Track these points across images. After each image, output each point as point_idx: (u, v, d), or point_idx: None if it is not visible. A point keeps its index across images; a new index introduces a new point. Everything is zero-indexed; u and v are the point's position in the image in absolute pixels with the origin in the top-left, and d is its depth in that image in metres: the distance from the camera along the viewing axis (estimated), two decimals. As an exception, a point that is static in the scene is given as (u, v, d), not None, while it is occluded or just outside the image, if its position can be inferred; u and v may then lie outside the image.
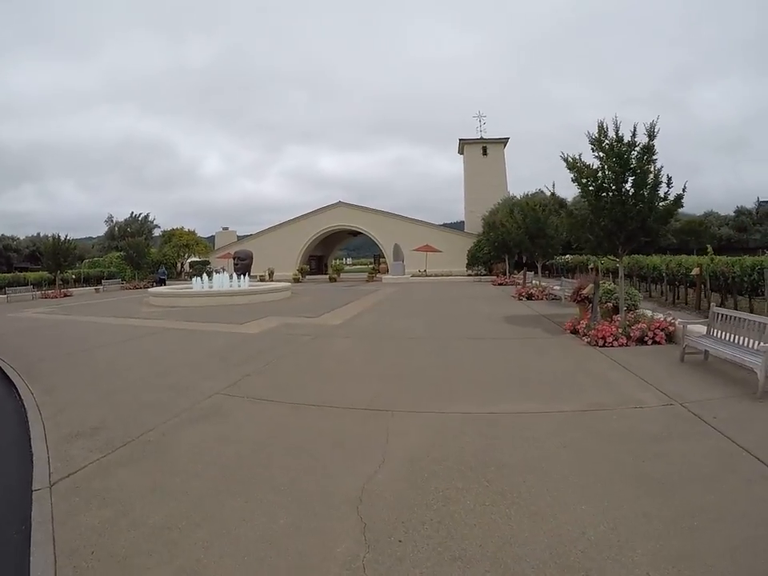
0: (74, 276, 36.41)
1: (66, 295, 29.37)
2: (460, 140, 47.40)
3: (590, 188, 10.72)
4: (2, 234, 63.05)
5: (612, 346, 9.59)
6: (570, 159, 11.01)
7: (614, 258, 11.48)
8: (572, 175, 11.04)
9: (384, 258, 46.03)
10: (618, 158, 10.18)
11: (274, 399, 6.60)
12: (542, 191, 39.72)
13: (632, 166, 10.20)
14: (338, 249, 64.46)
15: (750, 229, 46.48)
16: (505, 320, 13.92)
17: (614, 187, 10.42)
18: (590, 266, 28.19)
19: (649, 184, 10.23)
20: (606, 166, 10.47)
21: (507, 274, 32.33)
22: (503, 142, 46.69)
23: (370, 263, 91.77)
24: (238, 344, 10.83)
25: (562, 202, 12.20)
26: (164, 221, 53.17)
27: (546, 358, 8.84)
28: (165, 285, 32.95)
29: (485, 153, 46.19)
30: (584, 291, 12.53)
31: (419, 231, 42.91)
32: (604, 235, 10.86)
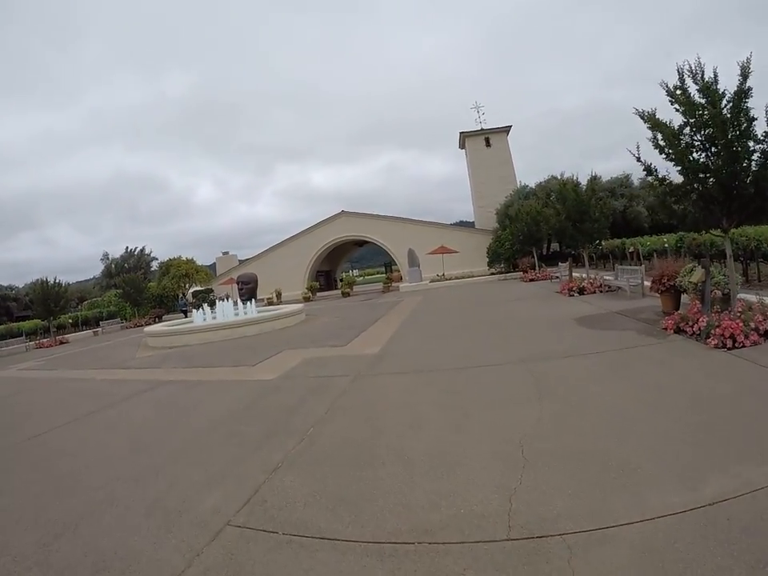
0: (70, 321, 33.92)
1: (61, 342, 26.98)
2: (461, 133, 44.86)
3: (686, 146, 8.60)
4: (-1, 285, 60.74)
5: (743, 347, 7.35)
6: (647, 115, 9.00)
7: (719, 234, 9.08)
8: (655, 137, 8.93)
9: (396, 265, 43.42)
10: (712, 106, 8.08)
11: (333, 533, 3.68)
12: (554, 177, 38.62)
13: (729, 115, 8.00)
14: (344, 261, 61.87)
15: None
16: (576, 323, 11.27)
17: (720, 143, 8.10)
18: (629, 250, 25.70)
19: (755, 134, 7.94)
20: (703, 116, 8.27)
21: (537, 268, 29.61)
22: (506, 130, 44.22)
23: (379, 273, 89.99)
24: (252, 401, 7.88)
25: (649, 168, 9.48)
26: (163, 253, 50.98)
27: (688, 383, 6.13)
28: (187, 316, 29.96)
29: (488, 144, 43.69)
30: (678, 279, 10.18)
31: (429, 233, 40.32)
32: (704, 205, 8.72)
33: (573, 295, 17.07)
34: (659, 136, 8.87)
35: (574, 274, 23.16)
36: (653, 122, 9.02)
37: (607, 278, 17.58)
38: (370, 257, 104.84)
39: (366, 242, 46.15)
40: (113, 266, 56.41)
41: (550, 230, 20.58)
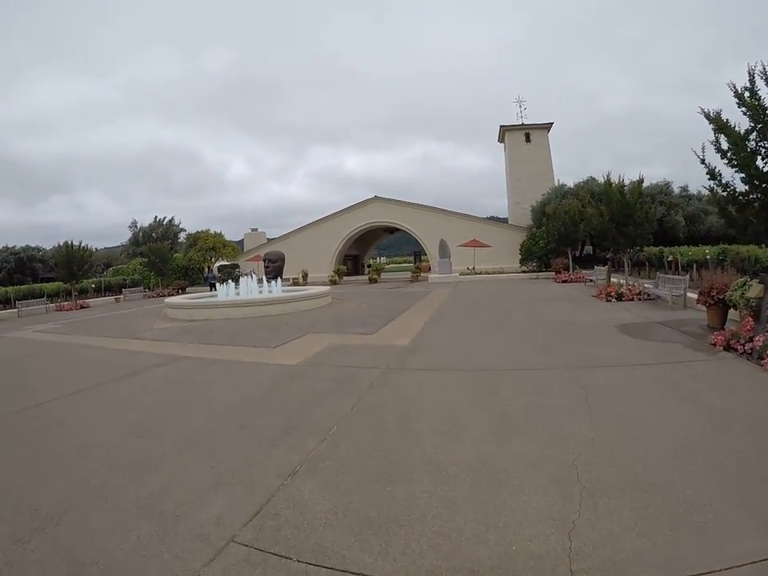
0: (93, 285, 33.79)
1: (82, 307, 26.69)
2: (501, 126, 43.49)
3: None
4: (26, 245, 61.19)
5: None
6: (712, 115, 8.61)
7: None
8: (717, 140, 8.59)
9: (426, 254, 42.64)
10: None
11: (359, 565, 3.00)
12: (593, 178, 37.36)
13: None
14: (373, 247, 61.13)
15: None
16: (618, 331, 10.55)
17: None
18: (668, 259, 24.67)
19: None
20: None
21: (570, 269, 28.60)
22: (547, 127, 42.73)
23: (406, 261, 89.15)
24: (270, 388, 7.22)
25: (713, 172, 8.75)
26: (192, 226, 50.16)
27: (750, 408, 5.39)
28: (213, 289, 29.41)
29: (528, 139, 42.28)
30: (728, 293, 9.56)
31: (461, 225, 39.18)
32: (767, 216, 8.18)
33: (610, 300, 16.31)
34: (723, 139, 8.37)
35: (611, 278, 22.59)
36: (718, 123, 8.48)
37: (647, 285, 16.78)
38: (398, 245, 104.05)
39: (397, 230, 45.28)
40: (140, 234, 56.08)
41: (592, 231, 19.49)
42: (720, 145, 8.43)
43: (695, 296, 12.62)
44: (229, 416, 6.01)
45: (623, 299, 16.16)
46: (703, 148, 8.83)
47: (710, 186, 9.22)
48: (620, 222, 17.13)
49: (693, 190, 39.23)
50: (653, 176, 34.42)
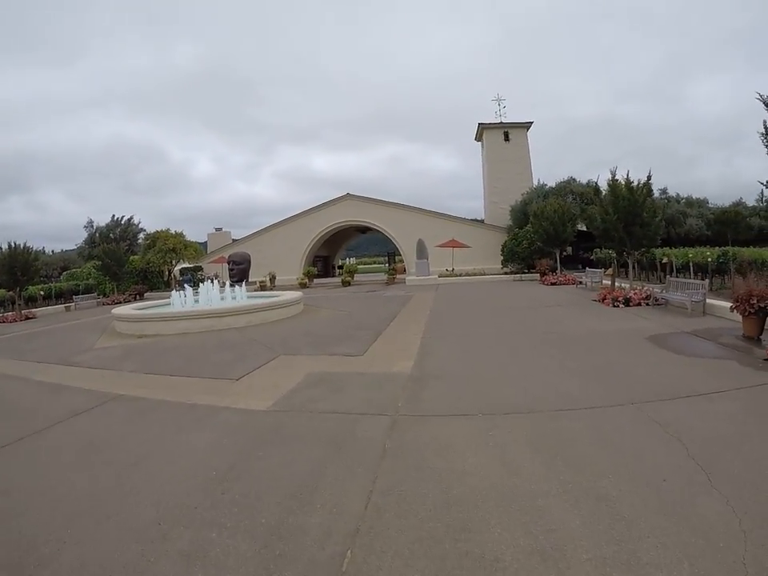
0: (41, 292, 30.60)
1: (27, 318, 23.40)
2: (479, 124, 41.88)
3: None
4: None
5: None
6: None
7: None
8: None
9: (400, 255, 40.61)
10: None
11: None
12: (573, 179, 36.03)
13: None
14: (344, 248, 58.73)
15: None
16: (651, 344, 9.28)
17: None
18: (662, 260, 23.16)
19: None
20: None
21: (559, 270, 27.03)
22: (526, 126, 41.31)
23: (376, 262, 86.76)
24: (231, 465, 4.74)
25: None
26: (154, 226, 46.19)
27: None
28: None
29: (506, 138, 40.78)
30: None
31: (438, 225, 37.59)
32: None
33: (618, 306, 14.94)
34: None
35: (605, 281, 21.17)
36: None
37: (655, 289, 15.70)
38: (366, 245, 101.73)
39: (369, 229, 43.10)
40: (97, 234, 52.26)
41: (594, 231, 17.68)
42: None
43: (714, 302, 12.51)
44: (167, 534, 3.61)
45: (630, 304, 14.84)
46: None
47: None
48: (628, 222, 15.70)
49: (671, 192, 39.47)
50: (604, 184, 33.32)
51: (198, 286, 18.89)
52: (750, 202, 43.60)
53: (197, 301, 17.21)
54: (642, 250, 17.00)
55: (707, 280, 14.73)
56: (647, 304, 14.86)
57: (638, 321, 12.10)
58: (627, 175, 16.02)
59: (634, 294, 15.38)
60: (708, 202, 42.62)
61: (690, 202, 39.10)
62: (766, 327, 9.40)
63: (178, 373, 8.79)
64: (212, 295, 17.39)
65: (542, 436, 5.02)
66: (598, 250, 30.02)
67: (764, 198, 47.42)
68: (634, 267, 18.41)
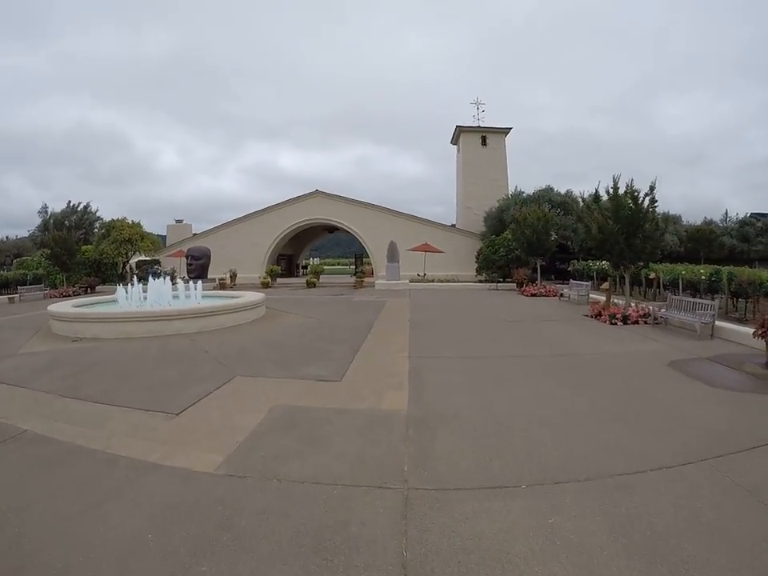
0: (-16, 282, 27.68)
1: (-38, 311, 20.80)
2: (457, 126, 40.75)
3: None
4: None
5: None
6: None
7: None
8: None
9: (368, 257, 39.00)
10: None
11: None
12: (551, 188, 34.99)
13: None
14: (309, 247, 56.47)
15: (752, 240, 43.00)
16: (678, 372, 8.28)
17: None
18: (649, 276, 21.96)
19: None
20: None
21: (539, 281, 25.85)
22: (505, 132, 40.38)
23: (339, 264, 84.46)
24: None
25: None
26: (114, 216, 42.45)
27: None
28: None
29: (484, 143, 39.78)
30: None
31: (409, 228, 36.19)
32: None
33: (615, 323, 13.90)
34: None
35: (593, 295, 20.23)
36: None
37: (652, 308, 14.61)
38: (329, 246, 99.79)
39: (337, 229, 41.21)
40: (51, 221, 48.63)
41: (590, 242, 16.29)
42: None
43: (723, 324, 11.99)
44: None
45: (628, 321, 13.94)
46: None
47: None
48: (629, 233, 14.54)
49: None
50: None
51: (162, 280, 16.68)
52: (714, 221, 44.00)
53: (145, 299, 15.01)
54: (640, 264, 15.65)
55: (717, 300, 13.59)
56: (645, 322, 13.97)
57: (647, 343, 11.06)
58: (631, 183, 14.70)
59: (633, 311, 14.36)
60: (682, 219, 42.36)
61: (666, 218, 38.68)
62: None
63: (104, 398, 6.72)
64: (162, 293, 15.16)
65: (624, 526, 3.53)
66: (575, 261, 29.03)
67: (727, 218, 48.30)
68: (631, 282, 17.06)
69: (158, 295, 14.86)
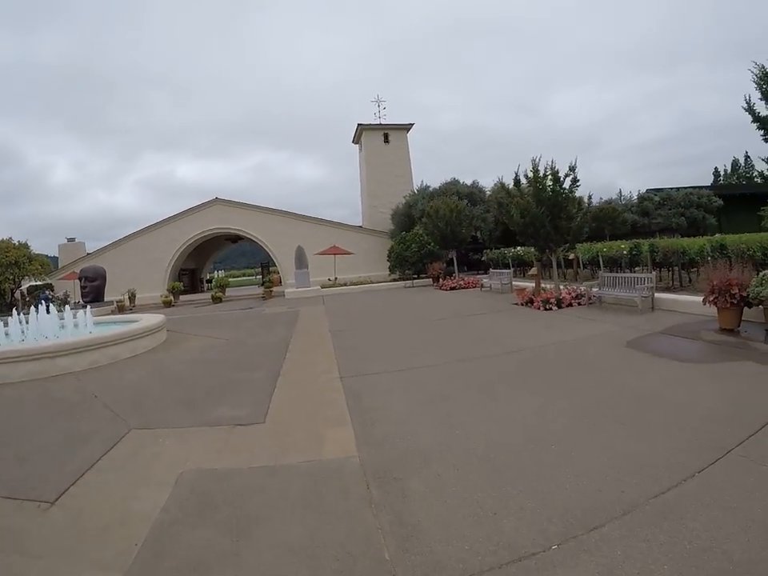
0: None
1: None
2: (358, 125, 40.12)
3: None
4: None
5: None
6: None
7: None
8: None
9: (275, 266, 37.47)
10: None
11: None
12: (457, 180, 34.89)
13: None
14: (212, 259, 53.69)
15: (652, 213, 45.06)
16: (641, 353, 7.96)
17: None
18: (569, 257, 22.27)
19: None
20: None
21: (456, 274, 25.55)
22: (406, 128, 40.45)
23: (244, 275, 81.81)
24: None
25: None
26: (3, 237, 37.03)
27: None
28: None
29: (386, 140, 39.64)
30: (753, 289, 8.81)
31: (316, 231, 35.02)
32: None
33: (550, 309, 13.74)
34: None
35: (517, 282, 20.10)
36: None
37: (583, 287, 15.04)
38: (234, 257, 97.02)
39: (241, 238, 39.20)
40: None
41: (514, 227, 15.76)
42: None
43: (661, 296, 12.53)
44: None
45: (563, 305, 13.99)
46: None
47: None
48: (554, 215, 14.30)
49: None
50: (488, 185, 33.64)
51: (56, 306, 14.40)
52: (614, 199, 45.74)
53: (24, 331, 12.60)
54: (566, 245, 15.35)
55: (654, 273, 13.65)
56: (579, 304, 14.15)
57: (593, 325, 11.01)
58: (552, 164, 14.29)
59: (566, 293, 14.39)
60: (584, 201, 43.49)
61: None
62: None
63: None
64: (47, 322, 12.61)
65: (699, 566, 2.68)
66: (488, 250, 28.96)
67: (622, 197, 50.67)
68: (559, 265, 16.96)
69: (39, 327, 12.52)
